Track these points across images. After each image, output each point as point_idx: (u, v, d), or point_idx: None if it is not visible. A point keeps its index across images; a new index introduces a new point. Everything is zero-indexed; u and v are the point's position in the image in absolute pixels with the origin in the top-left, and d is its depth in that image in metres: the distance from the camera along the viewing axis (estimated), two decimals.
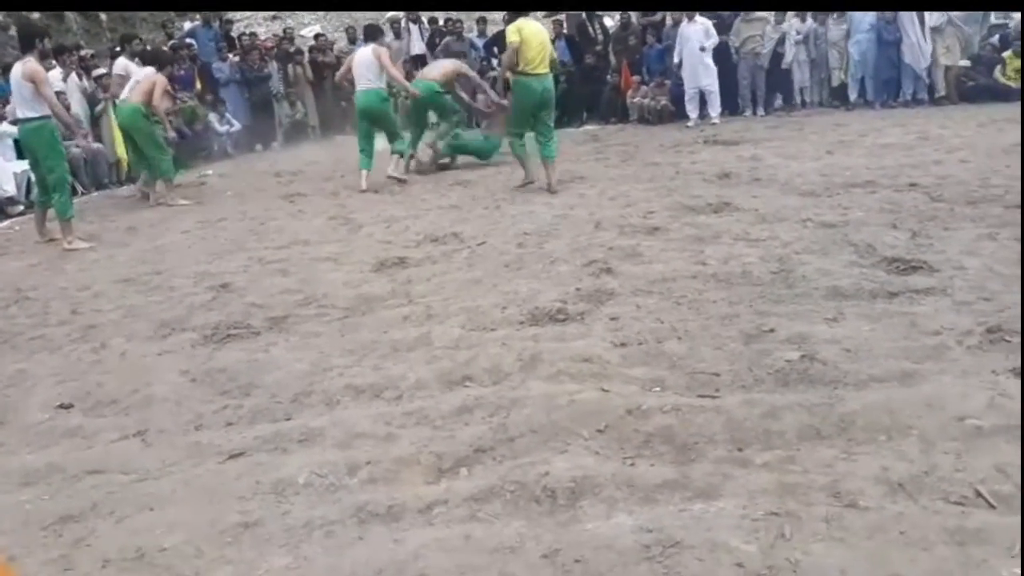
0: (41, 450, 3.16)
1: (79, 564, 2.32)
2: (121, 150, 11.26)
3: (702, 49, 11.78)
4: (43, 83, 6.76)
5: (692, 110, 12.19)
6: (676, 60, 12.21)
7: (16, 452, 3.17)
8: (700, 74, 11.91)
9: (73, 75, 11.05)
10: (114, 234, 7.73)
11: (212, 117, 12.74)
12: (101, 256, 6.73)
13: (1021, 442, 2.44)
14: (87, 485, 2.83)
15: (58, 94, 10.13)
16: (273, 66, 13.68)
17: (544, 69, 7.43)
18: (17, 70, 6.86)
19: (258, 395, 3.48)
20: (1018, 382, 2.85)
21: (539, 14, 18.49)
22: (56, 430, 3.34)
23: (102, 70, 11.73)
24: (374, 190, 8.54)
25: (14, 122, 8.25)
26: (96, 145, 10.88)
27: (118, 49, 11.73)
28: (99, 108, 11.19)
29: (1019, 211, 5.18)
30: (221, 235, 7.12)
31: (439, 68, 9.90)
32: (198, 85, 12.81)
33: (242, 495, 2.64)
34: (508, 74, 7.61)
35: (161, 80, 9.02)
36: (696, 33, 11.78)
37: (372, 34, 9.13)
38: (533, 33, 7.32)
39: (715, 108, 12.13)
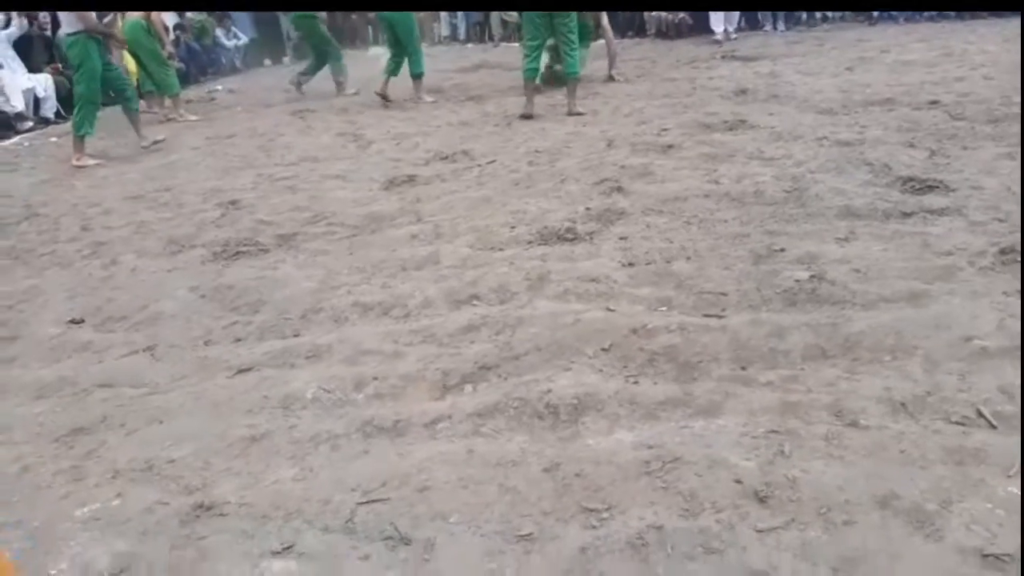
0: (53, 364, 3.21)
1: (89, 475, 2.37)
2: (131, 64, 11.17)
3: None
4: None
5: (717, 23, 11.71)
6: None
7: (29, 366, 3.22)
8: None
9: None
10: (123, 150, 7.70)
11: (219, 32, 12.54)
12: (111, 172, 6.71)
13: (1021, 362, 2.42)
14: (97, 398, 2.87)
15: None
16: None
17: None
18: None
19: (267, 312, 3.50)
20: None
21: None
22: (67, 345, 3.38)
23: None
24: (385, 105, 8.44)
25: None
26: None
27: None
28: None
29: None
30: (230, 152, 7.08)
31: None
32: None
33: (250, 409, 2.68)
34: None
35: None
36: None
37: None
38: None
39: (732, 22, 11.76)
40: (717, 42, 11.27)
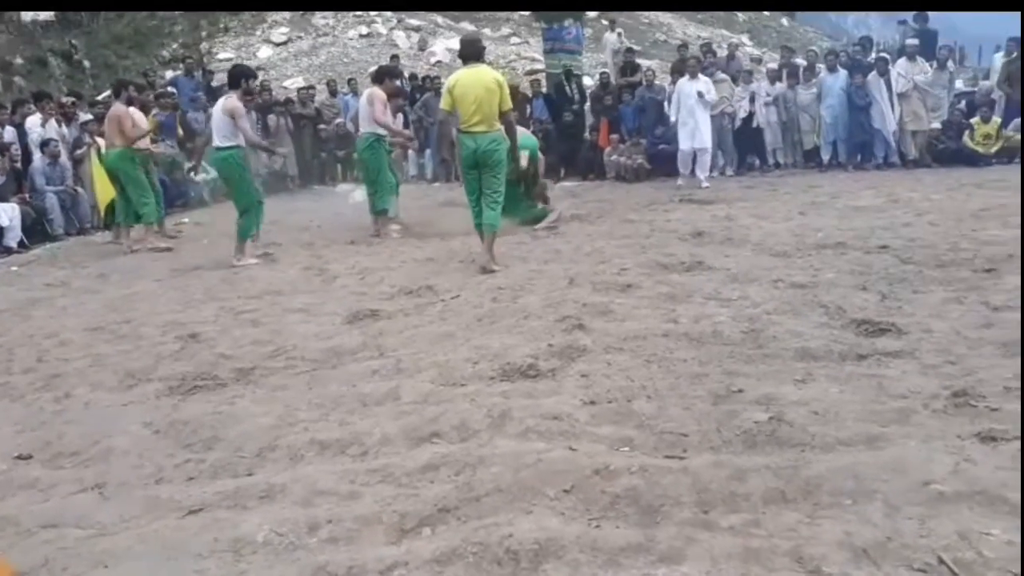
0: None
1: None
2: (101, 195, 11.30)
3: (700, 96, 11.49)
4: (241, 118, 7.65)
5: (684, 166, 11.81)
6: (673, 118, 11.92)
7: None
8: (697, 133, 11.61)
9: (52, 121, 11.10)
10: (85, 280, 7.68)
11: (189, 166, 12.75)
12: (70, 303, 6.66)
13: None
14: (40, 540, 2.76)
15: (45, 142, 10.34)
16: (252, 116, 13.69)
17: (480, 127, 6.45)
18: (219, 104, 7.84)
19: (221, 449, 3.42)
20: (983, 447, 2.87)
21: (507, 68, 18.79)
22: (13, 482, 3.27)
23: (87, 116, 11.82)
24: (351, 241, 8.56)
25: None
26: (78, 189, 10.95)
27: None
28: (80, 152, 11.25)
29: (986, 275, 5.26)
30: (193, 284, 7.08)
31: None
32: (180, 132, 12.85)
33: (199, 552, 2.58)
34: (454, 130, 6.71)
35: (119, 110, 9.15)
36: (694, 89, 11.54)
37: (376, 76, 9.16)
38: (467, 88, 6.41)
39: (704, 170, 11.80)
40: (678, 187, 11.43)
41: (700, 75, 11.76)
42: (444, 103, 6.68)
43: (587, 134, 14.01)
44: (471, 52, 6.64)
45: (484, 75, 6.50)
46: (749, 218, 8.38)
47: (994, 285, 5.01)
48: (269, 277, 7.07)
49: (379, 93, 8.67)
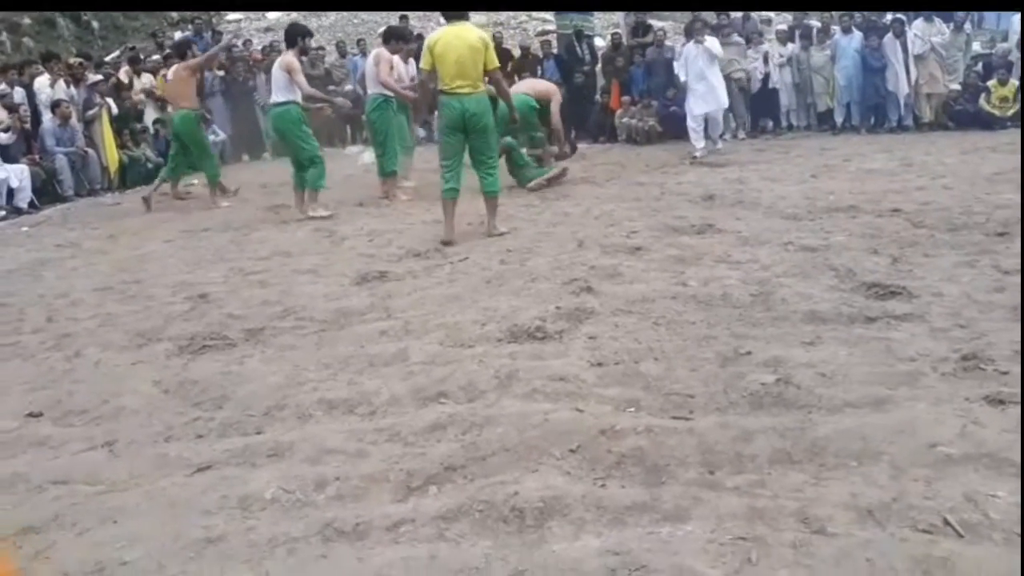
0: (7, 459, 3.12)
1: None
2: (112, 156, 11.32)
3: (709, 54, 10.53)
4: (296, 73, 7.86)
5: (697, 139, 10.78)
6: (683, 78, 10.91)
7: None
8: (710, 95, 10.65)
9: (60, 82, 11.07)
10: (95, 241, 7.69)
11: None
12: (80, 264, 6.68)
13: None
14: (50, 496, 2.79)
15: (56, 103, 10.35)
16: (261, 78, 13.63)
17: (464, 88, 6.16)
18: (277, 61, 8.14)
19: (230, 408, 3.45)
20: (991, 410, 2.86)
21: (517, 29, 18.48)
22: (24, 439, 3.30)
23: (97, 77, 11.82)
24: (359, 203, 8.54)
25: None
26: (88, 150, 10.96)
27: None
28: (91, 113, 11.24)
29: (999, 239, 5.21)
30: (203, 245, 7.09)
31: (537, 85, 9.65)
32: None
33: (207, 509, 2.61)
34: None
35: (184, 72, 9.22)
36: (704, 53, 10.56)
37: (384, 37, 9.04)
38: (449, 46, 6.09)
39: (716, 129, 11.01)
40: (697, 158, 10.58)
41: (707, 36, 10.83)
42: (424, 62, 6.31)
43: (598, 96, 13.87)
44: (456, 9, 6.29)
45: (468, 33, 6.19)
46: (761, 181, 8.31)
47: (1006, 249, 4.96)
48: (278, 238, 7.07)
49: (385, 54, 8.57)
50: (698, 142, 10.79)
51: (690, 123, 10.90)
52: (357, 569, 2.21)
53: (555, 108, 9.29)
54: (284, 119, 8.01)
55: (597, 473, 2.65)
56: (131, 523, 2.56)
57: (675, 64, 11.48)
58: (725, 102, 11.05)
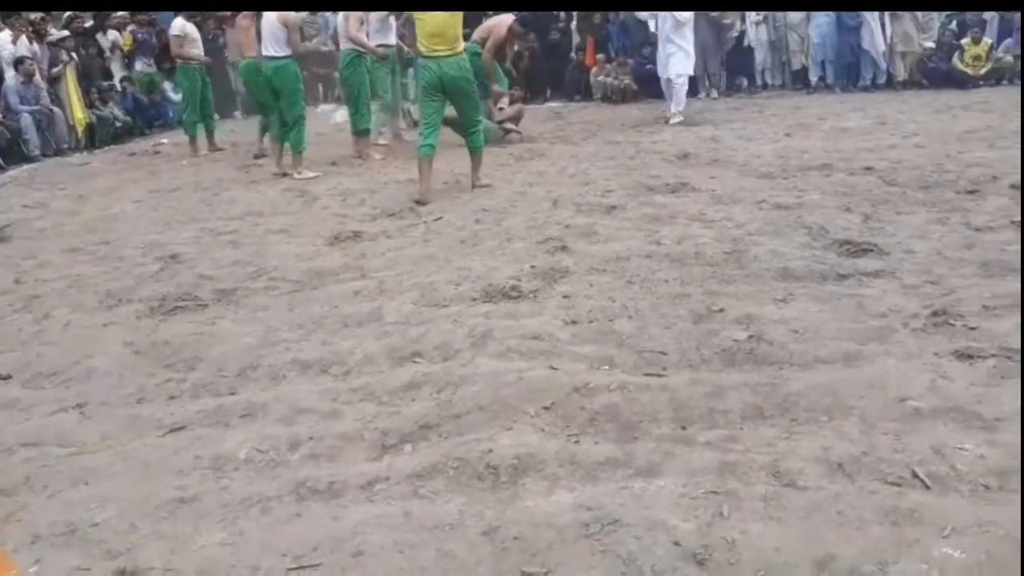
0: None
1: (7, 539, 2.26)
2: (78, 114, 11.07)
3: (677, 22, 9.91)
4: (294, 30, 7.61)
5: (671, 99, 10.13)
6: (653, 30, 10.60)
7: None
8: (670, 60, 10.01)
9: (23, 38, 10.80)
10: (64, 202, 7.56)
11: (167, 85, 12.52)
12: (49, 224, 6.57)
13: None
14: (21, 458, 2.76)
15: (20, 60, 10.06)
16: (229, 34, 13.33)
17: (443, 51, 6.11)
18: (272, 15, 7.61)
19: (202, 369, 3.42)
20: (960, 365, 2.90)
21: None
22: None
23: (62, 33, 11.53)
24: (332, 162, 8.44)
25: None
26: (53, 109, 10.70)
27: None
28: (56, 70, 10.99)
29: (969, 197, 5.26)
30: (173, 205, 6.99)
31: (488, 23, 8.82)
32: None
33: (180, 470, 2.59)
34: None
35: (244, 22, 8.93)
36: (669, 17, 9.97)
37: None
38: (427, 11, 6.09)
39: (676, 103, 10.09)
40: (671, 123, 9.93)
41: None
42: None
43: (573, 53, 13.75)
44: (452, 10, 6.12)
45: None
46: (735, 139, 8.31)
47: (977, 206, 5.01)
48: (249, 198, 6.99)
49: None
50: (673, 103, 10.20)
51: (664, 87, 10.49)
52: (331, 527, 2.21)
53: (490, 43, 8.63)
54: (285, 74, 7.71)
55: (571, 430, 2.66)
56: (103, 484, 2.54)
57: (649, 22, 11.24)
58: (680, 70, 10.10)
